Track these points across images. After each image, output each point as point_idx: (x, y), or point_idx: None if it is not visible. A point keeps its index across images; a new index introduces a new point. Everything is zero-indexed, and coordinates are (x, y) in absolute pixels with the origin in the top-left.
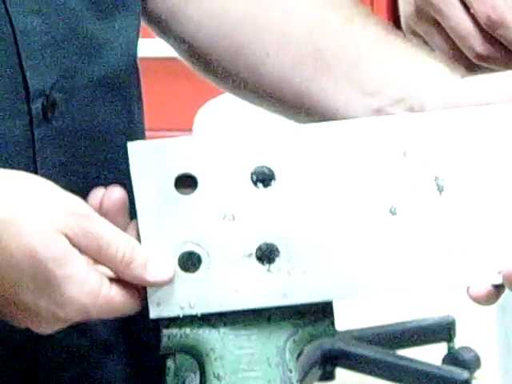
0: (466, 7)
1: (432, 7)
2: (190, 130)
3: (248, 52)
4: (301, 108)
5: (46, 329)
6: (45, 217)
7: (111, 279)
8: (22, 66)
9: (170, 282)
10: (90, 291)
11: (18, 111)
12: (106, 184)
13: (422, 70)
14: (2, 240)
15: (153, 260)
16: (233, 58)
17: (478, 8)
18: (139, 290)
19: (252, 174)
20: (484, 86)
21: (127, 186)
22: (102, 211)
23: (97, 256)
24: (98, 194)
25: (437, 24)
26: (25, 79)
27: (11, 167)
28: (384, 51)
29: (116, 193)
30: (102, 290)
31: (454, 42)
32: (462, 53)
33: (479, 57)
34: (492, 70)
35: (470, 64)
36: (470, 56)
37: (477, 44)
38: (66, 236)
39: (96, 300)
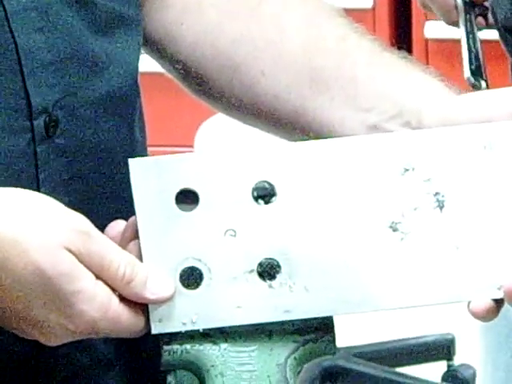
0: None
1: None
2: (191, 146)
3: (243, 71)
4: (296, 126)
5: (55, 341)
6: (48, 233)
7: (119, 296)
8: (24, 83)
9: (170, 298)
10: (99, 305)
11: (20, 128)
12: (106, 201)
13: (418, 85)
14: (8, 260)
15: (153, 277)
16: (228, 77)
17: None
18: (144, 309)
19: (253, 190)
20: (482, 102)
21: (129, 203)
22: (124, 237)
23: (98, 274)
24: (119, 224)
25: None
26: (27, 96)
27: (13, 184)
28: (379, 67)
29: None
30: (112, 305)
31: None
32: None
33: None
34: None
35: None
36: None
37: None
38: (71, 252)
39: (106, 314)
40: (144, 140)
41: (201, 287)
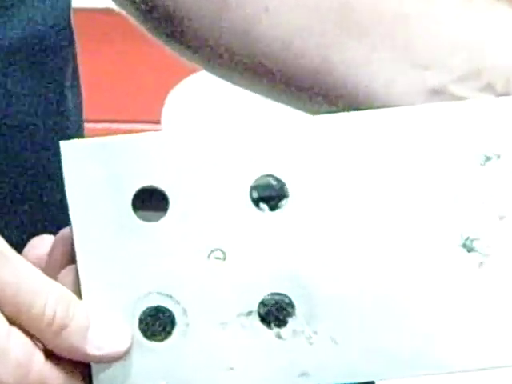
0: None
1: None
2: (156, 122)
3: (236, 5)
4: (317, 90)
5: None
6: None
7: (44, 349)
8: None
9: (124, 355)
10: (15, 365)
11: None
12: (25, 205)
13: (505, 28)
14: None
15: (98, 322)
16: (213, 15)
17: None
18: (84, 371)
19: (252, 190)
20: None
21: (59, 207)
22: (51, 259)
23: (13, 316)
24: (45, 241)
25: None
26: None
27: None
28: (444, 2)
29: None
30: (34, 365)
31: None
32: None
33: None
34: None
35: None
36: None
37: None
38: None
39: (25, 380)
40: (80, 112)
41: (172, 338)
